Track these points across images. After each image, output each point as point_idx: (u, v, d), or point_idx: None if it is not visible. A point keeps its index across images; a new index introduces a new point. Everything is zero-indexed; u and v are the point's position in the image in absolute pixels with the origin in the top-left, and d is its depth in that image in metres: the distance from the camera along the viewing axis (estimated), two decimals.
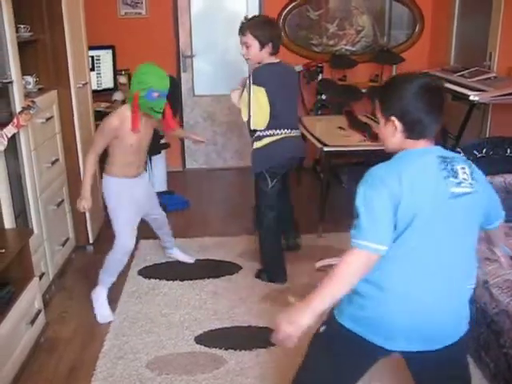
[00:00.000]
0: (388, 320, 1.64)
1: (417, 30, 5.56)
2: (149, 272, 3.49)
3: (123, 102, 4.40)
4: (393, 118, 1.64)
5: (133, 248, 3.06)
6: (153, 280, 3.38)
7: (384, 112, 1.68)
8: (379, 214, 1.56)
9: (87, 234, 3.83)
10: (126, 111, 2.86)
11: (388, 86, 1.71)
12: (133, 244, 3.04)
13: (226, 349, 2.72)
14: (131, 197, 3.02)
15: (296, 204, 4.46)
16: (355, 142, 3.99)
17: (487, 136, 4.19)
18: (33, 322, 2.66)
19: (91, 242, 3.87)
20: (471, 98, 3.75)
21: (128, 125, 2.83)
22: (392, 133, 1.66)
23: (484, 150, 3.31)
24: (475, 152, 3.33)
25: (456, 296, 1.69)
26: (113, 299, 3.17)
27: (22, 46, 2.95)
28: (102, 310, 3.04)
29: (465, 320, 1.74)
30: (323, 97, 5.31)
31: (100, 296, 3.06)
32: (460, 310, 1.71)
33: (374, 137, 4.00)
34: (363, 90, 5.22)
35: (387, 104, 1.67)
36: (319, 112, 5.34)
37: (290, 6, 5.35)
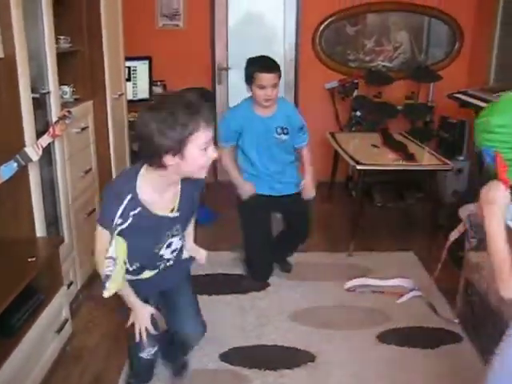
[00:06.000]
0: None
1: (456, 47, 5.46)
2: None
3: None
4: None
5: None
6: None
7: None
8: None
9: None
10: None
11: None
12: None
13: (251, 367, 2.68)
14: None
15: (326, 220, 4.41)
16: (389, 160, 3.91)
17: None
18: (60, 330, 2.67)
19: None
20: None
21: None
22: None
23: None
24: None
25: None
26: None
27: (61, 56, 2.99)
28: None
29: None
30: (358, 113, 5.25)
31: None
32: None
33: (410, 157, 3.92)
34: (399, 108, 5.15)
35: None
36: (353, 128, 5.29)
37: (327, 22, 5.32)
